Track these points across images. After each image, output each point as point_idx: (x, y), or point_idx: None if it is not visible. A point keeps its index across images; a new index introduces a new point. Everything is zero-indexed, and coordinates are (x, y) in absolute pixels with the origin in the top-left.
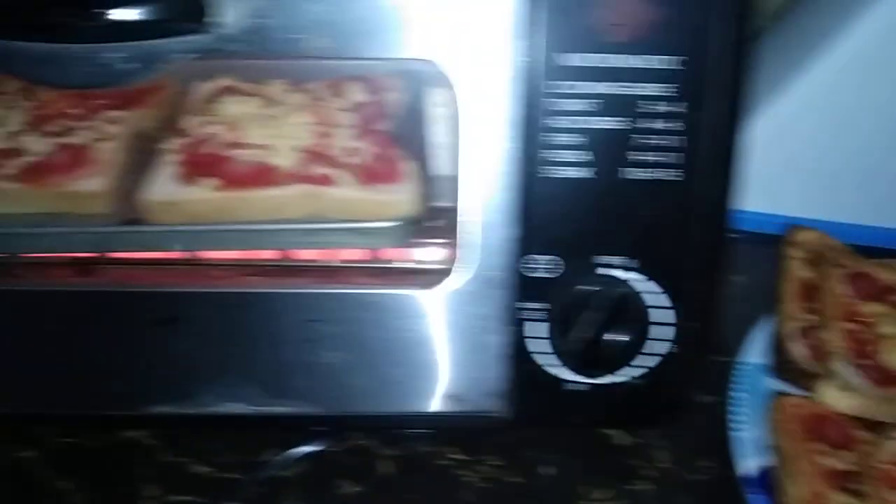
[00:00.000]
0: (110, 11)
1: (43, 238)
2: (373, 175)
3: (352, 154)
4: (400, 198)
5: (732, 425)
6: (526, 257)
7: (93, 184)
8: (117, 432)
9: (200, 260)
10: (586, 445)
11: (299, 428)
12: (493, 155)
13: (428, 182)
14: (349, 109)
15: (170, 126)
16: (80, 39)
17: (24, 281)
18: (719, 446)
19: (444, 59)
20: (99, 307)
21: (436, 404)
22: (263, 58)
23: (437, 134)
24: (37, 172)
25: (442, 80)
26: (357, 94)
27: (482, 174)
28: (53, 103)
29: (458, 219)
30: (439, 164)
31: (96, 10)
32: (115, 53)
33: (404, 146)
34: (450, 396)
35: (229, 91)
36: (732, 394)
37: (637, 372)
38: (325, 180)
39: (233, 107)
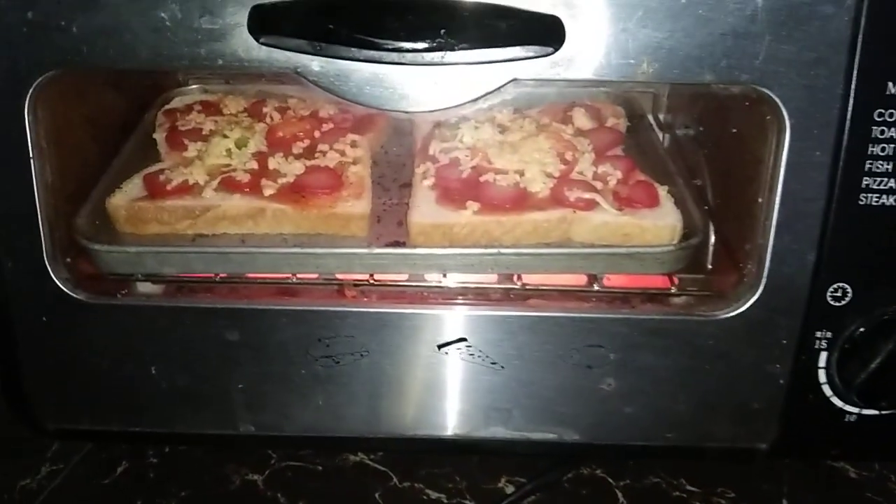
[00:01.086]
0: (468, 34)
1: (321, 259)
2: (628, 199)
3: (601, 179)
4: (666, 223)
5: None
6: (824, 284)
7: (357, 206)
8: (340, 456)
9: (468, 283)
10: (819, 478)
11: (540, 455)
12: (812, 181)
13: (689, 207)
14: (580, 135)
15: (390, 150)
16: (424, 62)
17: (277, 300)
18: None
19: (773, 85)
20: (372, 329)
21: (694, 436)
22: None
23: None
24: (299, 194)
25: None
26: (582, 121)
27: (793, 200)
28: (284, 126)
29: (749, 245)
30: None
31: (448, 32)
32: (443, 75)
33: (646, 171)
34: (716, 429)
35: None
36: None
37: None
38: (584, 205)
39: (470, 133)
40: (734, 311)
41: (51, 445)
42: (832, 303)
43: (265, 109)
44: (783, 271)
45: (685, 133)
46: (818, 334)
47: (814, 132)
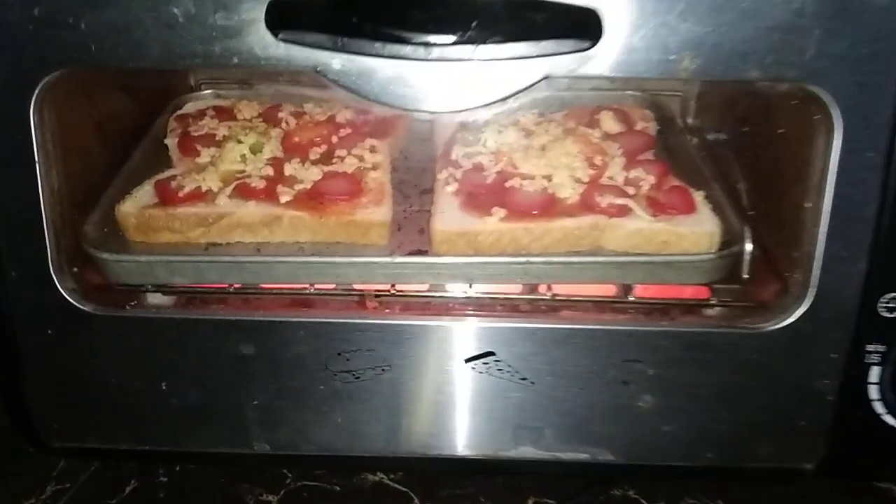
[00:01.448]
0: (500, 27)
1: (340, 268)
2: (663, 206)
3: (633, 184)
4: (704, 230)
5: None
6: (876, 294)
7: (377, 213)
8: (359, 476)
9: (495, 294)
10: (864, 499)
11: (571, 476)
12: (864, 184)
13: (726, 213)
14: (609, 139)
15: (409, 155)
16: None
17: (294, 312)
18: None
19: (823, 82)
20: (395, 341)
21: (736, 455)
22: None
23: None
24: (316, 201)
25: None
26: (610, 124)
27: (843, 205)
28: (301, 131)
29: (796, 253)
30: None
31: (480, 27)
32: (472, 72)
33: (679, 176)
34: (760, 448)
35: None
36: None
37: None
38: (616, 211)
39: (494, 136)
40: (780, 323)
41: (57, 463)
42: (885, 314)
43: (280, 114)
44: (832, 281)
45: (717, 136)
46: (869, 347)
47: (866, 132)
